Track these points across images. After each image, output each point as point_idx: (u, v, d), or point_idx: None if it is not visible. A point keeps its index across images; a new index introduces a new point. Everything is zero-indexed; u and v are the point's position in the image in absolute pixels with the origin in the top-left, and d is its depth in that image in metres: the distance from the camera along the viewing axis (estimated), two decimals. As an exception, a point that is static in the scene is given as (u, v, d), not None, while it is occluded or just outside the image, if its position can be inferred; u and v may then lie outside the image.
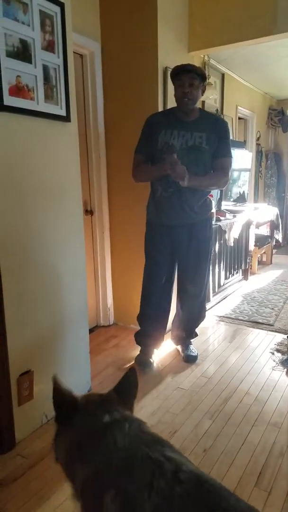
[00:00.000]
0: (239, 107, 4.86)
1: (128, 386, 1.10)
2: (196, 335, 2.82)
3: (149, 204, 2.53)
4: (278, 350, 2.84)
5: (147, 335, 2.68)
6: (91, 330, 3.10)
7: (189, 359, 2.69)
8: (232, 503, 0.75)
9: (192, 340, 2.82)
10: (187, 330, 2.75)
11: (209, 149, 2.36)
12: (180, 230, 2.46)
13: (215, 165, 2.43)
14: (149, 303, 2.61)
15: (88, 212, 3.08)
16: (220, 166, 2.42)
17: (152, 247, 2.53)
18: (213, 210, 3.66)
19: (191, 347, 2.76)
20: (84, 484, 0.88)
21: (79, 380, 2.28)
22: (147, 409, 2.17)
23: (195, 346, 2.82)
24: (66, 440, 1.01)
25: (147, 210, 2.54)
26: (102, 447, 0.90)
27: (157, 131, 2.35)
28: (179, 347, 2.82)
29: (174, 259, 2.56)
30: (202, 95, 2.39)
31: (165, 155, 2.22)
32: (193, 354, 2.72)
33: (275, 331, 3.19)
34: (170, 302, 2.69)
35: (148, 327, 2.66)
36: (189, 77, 2.24)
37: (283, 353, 2.79)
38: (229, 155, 2.45)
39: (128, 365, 2.66)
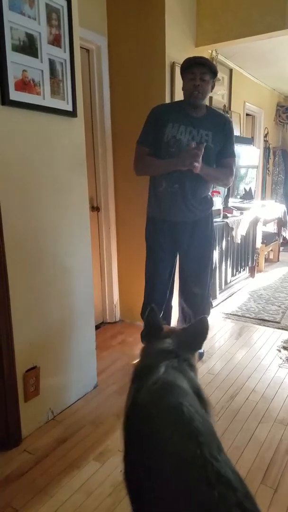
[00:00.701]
0: (247, 103, 4.82)
1: (197, 332, 1.35)
2: None
3: (150, 200, 2.50)
4: (284, 348, 2.82)
5: None
6: (97, 327, 3.10)
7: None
8: (180, 395, 1.06)
9: None
10: None
11: (214, 148, 2.34)
12: (183, 227, 2.44)
13: (221, 165, 2.42)
14: (154, 300, 2.57)
15: (95, 208, 3.07)
16: (226, 165, 2.43)
17: (155, 243, 2.51)
18: (220, 207, 3.65)
19: None
20: (132, 372, 1.28)
21: (86, 376, 2.28)
22: (153, 406, 2.17)
23: (201, 343, 2.81)
24: (146, 348, 1.40)
25: (148, 205, 2.52)
26: (148, 359, 1.28)
27: (164, 122, 2.31)
28: None
29: (175, 255, 2.56)
30: (211, 91, 2.36)
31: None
32: (200, 351, 2.71)
33: (282, 329, 3.17)
34: (172, 298, 2.68)
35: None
36: (201, 71, 2.21)
37: (290, 350, 2.76)
38: (234, 155, 2.47)
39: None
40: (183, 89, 2.32)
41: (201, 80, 2.22)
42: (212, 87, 2.34)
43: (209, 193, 2.50)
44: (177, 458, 0.85)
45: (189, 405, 0.99)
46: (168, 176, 2.32)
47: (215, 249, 3.39)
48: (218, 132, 2.34)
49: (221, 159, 2.41)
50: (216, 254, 3.45)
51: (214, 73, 2.26)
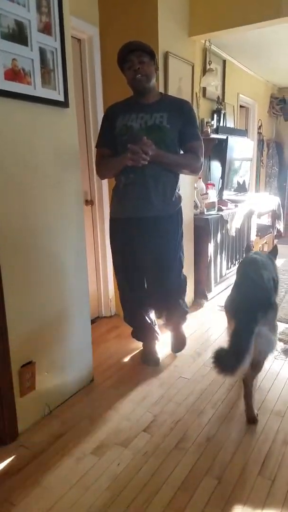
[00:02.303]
0: (240, 95, 4.80)
1: (274, 249, 2.42)
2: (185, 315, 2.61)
3: (112, 199, 2.35)
4: (280, 340, 2.82)
5: (142, 335, 2.61)
6: (92, 321, 3.07)
7: (177, 347, 2.64)
8: (263, 259, 2.21)
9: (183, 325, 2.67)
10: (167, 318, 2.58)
11: (170, 128, 2.18)
12: (145, 223, 2.22)
13: (186, 150, 2.26)
14: (134, 305, 2.48)
15: (89, 202, 3.04)
16: (191, 150, 2.25)
17: (121, 248, 2.34)
18: (215, 200, 3.63)
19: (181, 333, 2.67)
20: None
21: (82, 370, 2.27)
22: (150, 399, 2.16)
23: (197, 333, 2.79)
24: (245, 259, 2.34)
25: (111, 206, 2.37)
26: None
27: (115, 117, 2.23)
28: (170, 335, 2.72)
29: (144, 257, 2.36)
30: (156, 72, 2.24)
31: (129, 146, 2.02)
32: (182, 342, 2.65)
33: (277, 321, 3.15)
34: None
35: (139, 328, 2.58)
36: (137, 55, 2.11)
37: (285, 342, 2.78)
38: (198, 138, 2.27)
39: (129, 356, 2.65)
40: (128, 83, 2.21)
41: (140, 63, 2.11)
42: (156, 69, 2.22)
43: (177, 190, 2.32)
44: (251, 279, 2.03)
45: (264, 262, 2.12)
46: (124, 168, 2.15)
47: (208, 250, 3.38)
48: (175, 113, 2.19)
49: (184, 144, 2.25)
50: (211, 247, 3.44)
51: (150, 53, 2.15)
